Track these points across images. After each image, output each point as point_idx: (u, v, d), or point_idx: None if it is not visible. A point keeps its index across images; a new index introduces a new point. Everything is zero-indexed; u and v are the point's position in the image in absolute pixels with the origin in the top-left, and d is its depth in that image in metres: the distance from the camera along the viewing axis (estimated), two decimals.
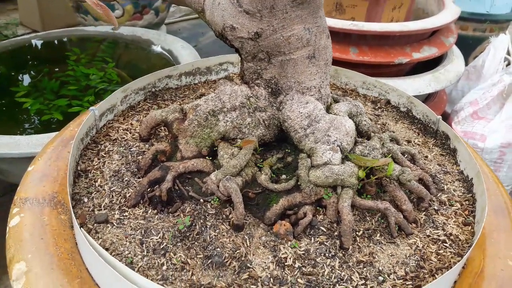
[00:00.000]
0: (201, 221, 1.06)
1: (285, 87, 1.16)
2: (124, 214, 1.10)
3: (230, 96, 1.18)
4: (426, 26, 2.54)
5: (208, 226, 1.05)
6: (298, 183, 1.09)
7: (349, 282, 0.95)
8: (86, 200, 1.13)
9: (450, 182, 1.26)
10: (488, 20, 3.61)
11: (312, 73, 1.16)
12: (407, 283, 0.96)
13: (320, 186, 1.08)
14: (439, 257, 1.03)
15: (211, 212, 1.08)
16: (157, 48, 3.08)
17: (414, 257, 1.02)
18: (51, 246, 1.02)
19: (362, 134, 1.26)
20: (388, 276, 0.98)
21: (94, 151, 1.29)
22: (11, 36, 4.21)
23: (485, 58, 3.24)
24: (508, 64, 3.59)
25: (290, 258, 0.99)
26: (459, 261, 1.02)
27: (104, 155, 1.28)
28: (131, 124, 1.43)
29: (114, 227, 1.06)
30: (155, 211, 1.11)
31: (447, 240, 1.07)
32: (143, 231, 1.05)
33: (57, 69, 2.89)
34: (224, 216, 1.08)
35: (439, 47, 2.69)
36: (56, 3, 4.15)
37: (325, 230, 1.05)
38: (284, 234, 1.03)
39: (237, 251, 0.99)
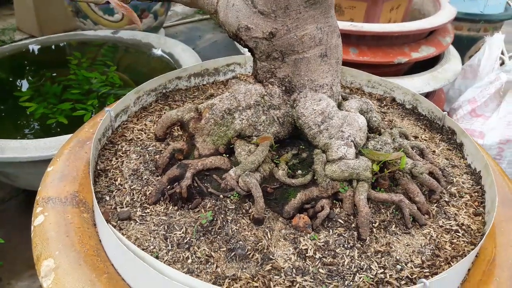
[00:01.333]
0: (222, 216, 1.09)
1: (299, 85, 1.20)
2: (146, 211, 1.13)
3: (245, 95, 1.21)
4: (424, 26, 2.60)
5: (229, 221, 1.08)
6: (315, 177, 1.12)
7: (368, 271, 0.99)
8: (108, 198, 1.16)
9: (459, 175, 1.31)
10: (482, 20, 3.68)
11: (324, 71, 1.20)
12: (424, 270, 1.00)
13: (336, 180, 1.11)
14: (453, 246, 1.07)
15: (231, 207, 1.11)
16: (158, 52, 3.11)
17: (429, 246, 1.06)
18: (77, 243, 1.05)
19: (372, 130, 1.30)
20: (406, 264, 1.01)
21: (112, 151, 1.32)
22: (9, 42, 4.22)
23: (481, 57, 3.31)
24: (503, 63, 3.67)
25: (310, 250, 1.02)
26: (472, 249, 1.06)
27: (122, 154, 1.31)
28: (145, 124, 1.46)
29: (137, 223, 1.09)
30: (176, 207, 1.14)
31: (459, 230, 1.11)
32: (166, 227, 1.08)
33: (54, 74, 2.90)
34: (244, 210, 1.11)
35: (437, 47, 2.75)
36: (54, 7, 4.17)
37: (342, 222, 1.09)
38: (303, 227, 1.06)
39: (259, 244, 1.03)
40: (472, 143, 1.34)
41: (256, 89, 1.22)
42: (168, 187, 1.18)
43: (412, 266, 1.01)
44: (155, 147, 1.33)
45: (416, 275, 0.99)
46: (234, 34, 1.19)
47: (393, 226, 1.10)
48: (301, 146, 1.23)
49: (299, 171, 1.17)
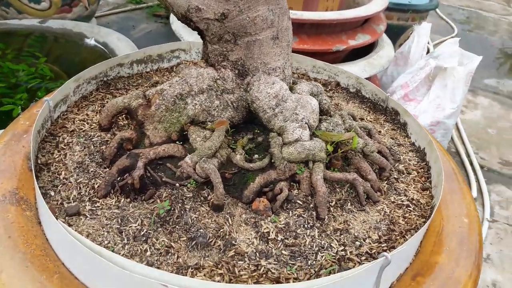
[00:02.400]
0: (180, 205, 1.05)
1: (252, 68, 1.18)
2: (96, 205, 1.06)
3: (197, 79, 1.18)
4: (360, 14, 2.68)
5: (188, 209, 1.04)
6: (272, 161, 1.12)
7: (329, 249, 1.00)
8: (52, 193, 1.08)
9: (405, 153, 1.36)
10: (410, 10, 3.87)
11: (277, 54, 1.19)
12: (382, 245, 1.03)
13: (293, 162, 1.12)
14: (406, 220, 1.11)
15: (188, 195, 1.08)
16: (91, 41, 2.94)
17: (384, 221, 1.10)
18: (21, 244, 0.96)
19: (323, 112, 1.32)
20: (364, 240, 1.04)
21: (53, 144, 1.22)
22: None
23: (411, 44, 3.48)
24: (428, 51, 3.88)
25: (272, 232, 1.02)
26: (424, 222, 1.11)
27: (64, 147, 1.22)
28: (87, 114, 1.37)
29: (87, 218, 1.02)
30: (128, 199, 1.08)
31: (410, 205, 1.16)
32: (119, 220, 1.02)
33: None
34: (202, 198, 1.08)
35: (372, 34, 2.85)
36: None
37: (301, 203, 1.09)
38: (264, 210, 1.05)
39: (221, 230, 1.00)
40: (415, 122, 1.40)
41: (209, 73, 1.19)
42: (118, 178, 1.12)
43: (370, 242, 1.04)
44: (100, 138, 1.26)
45: (375, 250, 1.02)
46: (183, 15, 1.15)
47: (349, 204, 1.13)
48: (256, 131, 1.22)
49: (256, 155, 1.16)
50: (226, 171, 1.10)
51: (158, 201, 1.06)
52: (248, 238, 1.00)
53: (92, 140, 1.25)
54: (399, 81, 3.20)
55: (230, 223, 1.02)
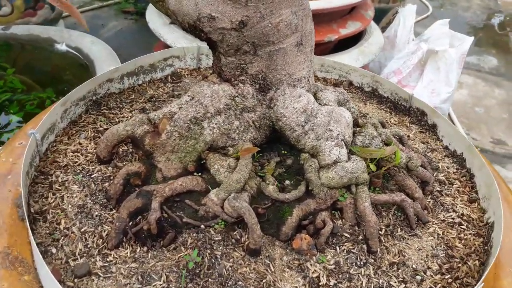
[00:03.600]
0: (208, 251, 0.89)
1: (275, 81, 1.02)
2: (108, 259, 0.89)
3: (212, 99, 1.01)
4: (350, 1, 2.53)
5: (219, 257, 0.89)
6: (309, 188, 0.97)
7: None
8: (54, 250, 0.90)
9: (441, 160, 1.24)
10: None
11: (301, 62, 1.03)
12: (445, 277, 0.90)
13: (334, 188, 0.97)
14: (462, 242, 0.99)
15: (217, 238, 0.92)
16: (62, 47, 2.70)
17: (440, 246, 0.97)
18: None
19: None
20: (425, 273, 0.91)
21: (45, 185, 1.04)
22: None
23: (397, 28, 3.37)
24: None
25: (322, 276, 0.87)
26: (482, 242, 0.99)
27: (59, 187, 1.03)
28: (79, 143, 1.18)
29: (101, 279, 0.85)
30: (145, 248, 0.92)
31: (462, 222, 1.04)
32: (140, 277, 0.85)
33: None
34: (233, 240, 0.92)
35: (362, 21, 2.71)
36: None
37: (348, 236, 0.95)
38: (307, 249, 0.91)
39: (263, 281, 0.85)
40: (447, 123, 1.27)
41: (225, 90, 1.02)
42: (131, 223, 0.95)
43: (432, 274, 0.91)
44: (101, 173, 1.08)
45: (439, 283, 0.89)
46: (192, 25, 0.97)
47: (399, 230, 0.99)
48: (283, 151, 1.06)
49: (287, 181, 1.01)
50: (258, 205, 0.95)
51: (182, 248, 0.90)
52: (296, 287, 0.85)
53: (92, 176, 1.07)
54: (391, 67, 3.08)
55: (272, 270, 0.87)
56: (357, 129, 1.11)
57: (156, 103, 1.39)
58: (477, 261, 0.94)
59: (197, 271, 0.86)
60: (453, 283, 0.89)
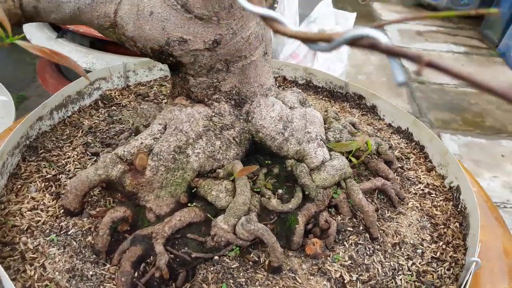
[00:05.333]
0: (231, 281, 0.87)
1: (249, 94, 1.01)
2: None
3: (190, 123, 0.96)
4: None
5: (244, 283, 0.87)
6: (306, 192, 0.99)
7: (402, 268, 0.94)
8: None
9: (390, 137, 1.35)
10: None
11: (268, 71, 1.03)
12: (439, 244, 1.00)
13: (327, 187, 1.00)
14: (438, 209, 1.10)
15: (234, 266, 0.89)
16: None
17: (424, 218, 1.07)
18: None
19: None
20: (422, 245, 1.00)
21: (16, 257, 0.90)
22: None
23: (282, 12, 3.50)
24: None
25: (344, 274, 0.91)
26: (452, 205, 1.11)
27: (34, 255, 0.90)
28: (33, 198, 1.04)
29: None
30: None
31: (430, 191, 1.16)
32: None
33: None
34: (251, 263, 0.91)
35: None
36: None
37: (351, 229, 1.00)
38: (322, 252, 0.93)
39: None
40: (386, 102, 1.39)
41: (200, 112, 0.98)
42: (136, 274, 0.88)
43: (428, 245, 1.00)
44: (78, 227, 0.97)
45: (437, 251, 0.98)
46: (157, 50, 0.90)
47: (386, 211, 1.07)
48: (266, 162, 1.06)
49: (279, 191, 1.01)
50: (266, 222, 0.94)
51: (204, 285, 0.86)
52: None
53: (68, 233, 0.95)
54: (286, 51, 3.21)
55: (300, 281, 0.88)
56: (325, 125, 1.15)
57: (98, 134, 1.28)
58: (456, 223, 1.06)
59: None
60: (447, 248, 0.99)
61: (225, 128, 1.00)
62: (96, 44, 2.59)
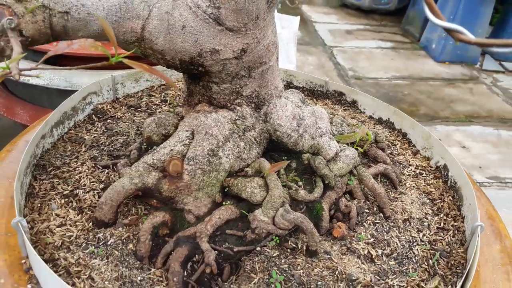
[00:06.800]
0: (275, 268, 0.94)
1: (267, 96, 1.09)
2: None
3: (217, 128, 1.02)
4: None
5: (287, 269, 0.94)
6: (326, 182, 1.08)
7: (415, 240, 1.07)
8: None
9: (374, 127, 1.49)
10: None
11: (278, 74, 1.12)
12: (440, 216, 1.15)
13: (343, 175, 1.11)
14: (431, 186, 1.25)
15: (275, 254, 0.97)
16: None
17: (422, 195, 1.21)
18: None
19: None
20: (427, 218, 1.14)
21: (61, 273, 0.90)
22: None
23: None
24: None
25: (371, 250, 1.02)
26: (442, 181, 1.27)
27: (79, 268, 0.91)
28: (58, 215, 1.04)
29: None
30: None
31: (421, 171, 1.30)
32: None
33: None
34: (289, 250, 0.99)
35: None
36: None
37: (367, 210, 1.11)
38: (348, 234, 1.04)
39: (336, 273, 0.95)
40: (366, 96, 1.53)
41: (225, 116, 1.04)
42: (186, 273, 0.92)
43: (431, 218, 1.14)
44: (115, 237, 0.99)
45: (441, 222, 1.13)
46: (186, 62, 0.96)
47: (390, 193, 1.20)
48: (283, 158, 1.14)
49: (300, 183, 1.10)
50: (296, 211, 1.02)
51: (253, 275, 0.93)
52: (359, 267, 0.98)
53: (108, 244, 0.97)
54: None
55: (336, 261, 0.98)
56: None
57: (102, 147, 1.28)
58: (449, 197, 1.21)
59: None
60: (447, 218, 1.14)
61: (247, 130, 1.07)
62: (49, 60, 2.51)
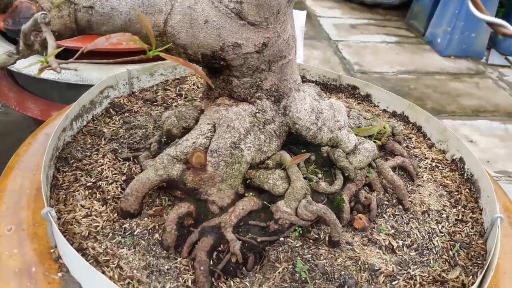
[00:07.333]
0: (299, 258, 0.96)
1: (286, 90, 1.10)
2: None
3: (239, 121, 1.03)
4: None
5: (310, 259, 0.96)
6: (346, 174, 1.10)
7: (435, 231, 1.08)
8: None
9: (388, 121, 1.50)
10: None
11: (296, 68, 1.13)
12: (458, 208, 1.16)
13: (362, 168, 1.12)
14: (447, 178, 1.27)
15: (298, 245, 0.99)
16: None
17: (439, 187, 1.23)
18: None
19: None
20: (445, 210, 1.15)
21: (91, 262, 0.92)
22: None
23: None
24: None
25: (392, 242, 1.03)
26: (458, 174, 1.28)
27: (107, 257, 0.93)
28: (83, 206, 1.06)
29: None
30: (238, 279, 0.93)
31: (437, 164, 1.32)
32: None
33: None
34: (311, 241, 1.00)
35: None
36: None
37: (387, 202, 1.13)
38: (369, 225, 1.05)
39: (359, 263, 0.97)
40: (380, 90, 1.54)
41: (245, 110, 1.06)
42: (211, 262, 0.94)
43: (449, 210, 1.16)
44: (141, 227, 1.01)
45: (459, 214, 1.14)
46: (209, 56, 0.97)
47: (408, 185, 1.21)
48: (302, 151, 1.16)
49: (319, 175, 1.12)
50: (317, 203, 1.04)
51: (277, 264, 0.94)
52: (381, 258, 1.00)
53: (135, 234, 0.99)
54: None
55: (358, 251, 0.99)
56: None
57: (121, 140, 1.30)
58: (466, 189, 1.23)
59: (304, 278, 0.92)
60: (465, 210, 1.16)
61: (267, 123, 1.08)
62: (60, 55, 2.52)
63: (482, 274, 0.92)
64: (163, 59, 0.73)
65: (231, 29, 0.93)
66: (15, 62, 0.77)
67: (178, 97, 1.56)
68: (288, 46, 1.03)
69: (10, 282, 0.90)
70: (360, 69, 4.64)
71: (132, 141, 1.29)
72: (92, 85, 1.38)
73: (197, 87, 1.62)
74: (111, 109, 1.44)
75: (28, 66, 0.86)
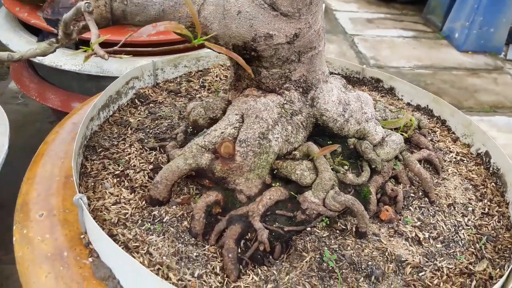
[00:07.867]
0: (326, 248, 0.97)
1: (314, 81, 1.10)
2: None
3: (267, 111, 1.04)
4: None
5: (337, 249, 0.97)
6: (373, 166, 1.10)
7: (461, 224, 1.08)
8: None
9: (413, 115, 1.49)
10: None
11: (324, 59, 1.13)
12: (484, 201, 1.16)
13: (389, 161, 1.12)
14: (473, 172, 1.26)
15: (325, 235, 0.99)
16: None
17: (464, 181, 1.22)
18: None
19: None
20: (470, 204, 1.15)
21: (121, 247, 0.94)
22: None
23: None
24: None
25: (418, 234, 1.03)
26: (484, 168, 1.27)
27: (137, 244, 0.95)
28: (112, 194, 1.08)
29: None
30: (265, 267, 0.94)
31: (462, 158, 1.31)
32: None
33: None
34: (338, 231, 1.01)
35: None
36: None
37: (413, 195, 1.13)
38: (395, 217, 1.05)
39: (386, 254, 0.97)
40: (404, 83, 1.53)
41: (273, 101, 1.06)
42: (239, 250, 0.95)
43: (475, 203, 1.15)
44: (170, 215, 1.02)
45: (485, 207, 1.14)
46: (241, 46, 0.98)
47: (434, 179, 1.21)
48: (328, 142, 1.16)
49: (345, 167, 1.12)
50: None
51: (304, 253, 0.95)
52: (407, 249, 1.00)
53: (164, 221, 1.00)
54: None
55: (385, 242, 1.00)
56: None
57: (147, 130, 1.31)
58: (492, 183, 1.22)
59: (331, 268, 0.93)
60: (491, 204, 1.15)
61: (295, 114, 1.09)
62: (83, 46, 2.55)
63: (511, 267, 0.92)
64: (188, 50, 0.74)
65: (263, 19, 0.93)
66: (55, 51, 0.79)
67: (202, 88, 1.57)
68: (318, 37, 1.03)
69: (42, 265, 0.92)
70: (376, 63, 4.61)
71: (158, 131, 1.30)
72: (112, 77, 1.39)
73: (220, 79, 1.63)
74: (136, 100, 1.45)
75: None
